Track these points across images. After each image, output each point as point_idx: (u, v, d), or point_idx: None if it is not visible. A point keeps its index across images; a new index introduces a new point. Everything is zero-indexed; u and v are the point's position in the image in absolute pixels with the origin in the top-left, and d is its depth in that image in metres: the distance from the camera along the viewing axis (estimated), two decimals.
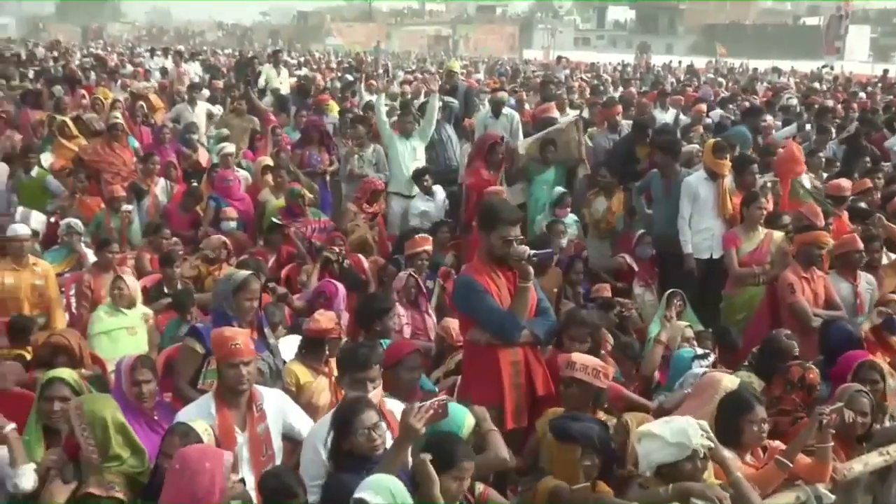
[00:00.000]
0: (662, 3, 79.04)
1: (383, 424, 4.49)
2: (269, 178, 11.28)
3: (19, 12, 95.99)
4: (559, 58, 37.01)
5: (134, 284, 7.74)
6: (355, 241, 9.58)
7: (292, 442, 5.12)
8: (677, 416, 4.70)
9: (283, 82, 18.39)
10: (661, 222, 9.45)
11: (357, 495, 3.84)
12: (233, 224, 10.21)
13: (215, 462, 3.96)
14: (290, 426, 5.11)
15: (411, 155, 11.26)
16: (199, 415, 4.80)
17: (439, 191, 10.86)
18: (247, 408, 4.92)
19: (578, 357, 5.42)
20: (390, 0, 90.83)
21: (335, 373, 5.89)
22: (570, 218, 10.24)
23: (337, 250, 8.73)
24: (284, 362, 6.06)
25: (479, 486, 4.54)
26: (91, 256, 8.94)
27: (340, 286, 7.86)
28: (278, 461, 4.95)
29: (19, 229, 8.20)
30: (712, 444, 4.50)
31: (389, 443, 4.48)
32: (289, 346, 6.37)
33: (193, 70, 23.43)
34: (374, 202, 10.61)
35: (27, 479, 4.53)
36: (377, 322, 6.41)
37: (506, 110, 12.67)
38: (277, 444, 5.02)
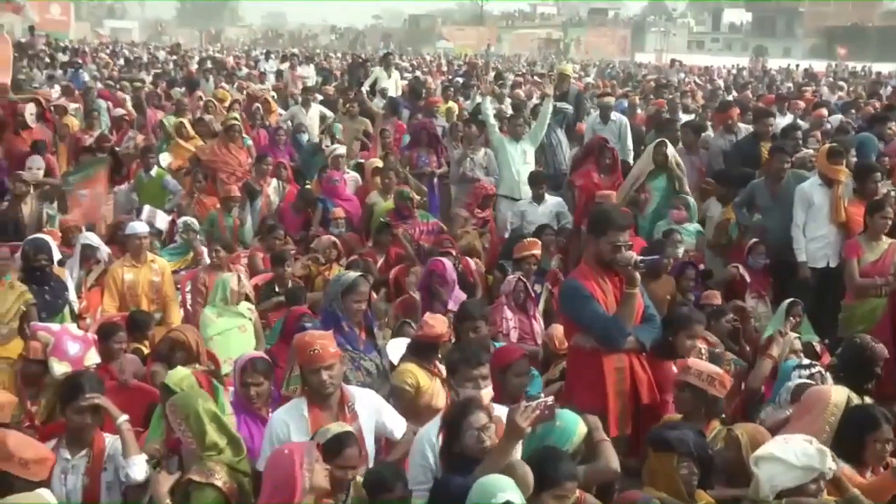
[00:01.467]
0: (781, 3, 77.00)
1: (493, 426, 4.48)
2: (378, 180, 11.38)
3: (142, 16, 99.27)
4: (672, 61, 36.49)
5: (245, 283, 7.90)
6: (464, 247, 9.56)
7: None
8: (795, 436, 4.54)
9: (394, 85, 18.54)
10: (773, 230, 9.18)
11: (502, 498, 3.85)
12: (340, 225, 10.32)
13: (297, 453, 4.05)
14: (382, 425, 5.11)
15: (521, 158, 11.22)
16: (291, 416, 4.84)
17: (550, 198, 10.73)
18: (338, 408, 4.92)
19: (695, 363, 5.37)
20: (502, 0, 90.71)
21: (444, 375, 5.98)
22: (693, 227, 9.89)
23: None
24: (392, 364, 6.09)
25: (576, 493, 4.50)
26: (206, 255, 9.16)
27: (448, 262, 7.93)
28: (371, 462, 4.97)
29: (138, 227, 8.47)
30: (838, 466, 4.37)
31: None
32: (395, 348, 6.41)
33: (307, 73, 23.81)
34: (485, 207, 10.56)
35: (139, 469, 4.67)
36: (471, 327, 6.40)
37: (614, 115, 12.52)
38: (370, 443, 5.03)
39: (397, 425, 5.15)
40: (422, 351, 5.95)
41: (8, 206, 10.09)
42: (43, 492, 3.95)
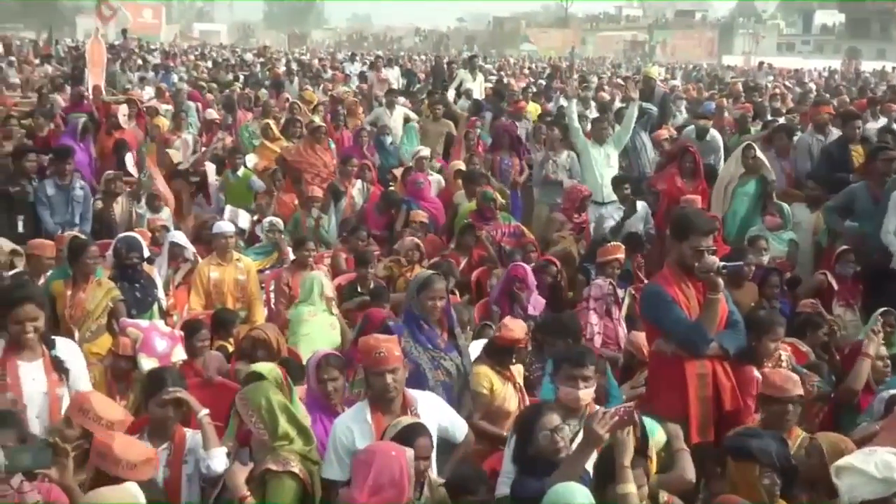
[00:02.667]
0: (876, 3, 74.88)
1: (567, 428, 4.44)
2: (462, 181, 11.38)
3: (230, 19, 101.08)
4: (761, 63, 35.79)
5: (329, 283, 7.98)
6: (559, 252, 9.50)
7: None
8: (880, 449, 4.40)
9: (479, 87, 18.53)
10: (874, 236, 8.85)
11: None
12: (419, 228, 10.31)
13: (404, 458, 4.06)
14: (444, 428, 5.10)
15: (605, 161, 11.14)
16: (355, 421, 4.85)
17: (642, 206, 10.56)
18: (401, 412, 4.91)
19: (767, 373, 5.33)
20: (587, 1, 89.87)
21: (518, 378, 5.99)
22: (787, 235, 9.60)
23: None
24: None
25: (664, 496, 4.45)
26: (291, 255, 9.27)
27: (528, 267, 7.91)
28: (434, 466, 4.96)
29: (225, 226, 8.61)
30: None
31: None
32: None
33: (392, 75, 23.95)
34: (582, 211, 10.40)
35: (219, 461, 4.75)
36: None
37: (710, 136, 12.28)
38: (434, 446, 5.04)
39: (459, 428, 5.16)
40: (497, 354, 5.96)
41: (101, 205, 10.36)
42: (130, 485, 4.03)
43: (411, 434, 4.42)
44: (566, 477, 4.09)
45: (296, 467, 4.48)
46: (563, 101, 16.26)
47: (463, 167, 11.72)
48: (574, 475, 4.12)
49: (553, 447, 4.32)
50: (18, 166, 9.99)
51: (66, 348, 5.39)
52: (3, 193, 9.66)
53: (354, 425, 4.79)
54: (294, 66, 29.21)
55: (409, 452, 4.12)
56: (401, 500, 4.01)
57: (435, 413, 5.05)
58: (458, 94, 17.58)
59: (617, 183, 10.66)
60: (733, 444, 4.71)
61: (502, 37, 79.58)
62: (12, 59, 29.35)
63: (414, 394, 5.05)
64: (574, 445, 4.47)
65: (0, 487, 3.86)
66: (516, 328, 5.97)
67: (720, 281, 5.41)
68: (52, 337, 5.32)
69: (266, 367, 5.08)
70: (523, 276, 7.87)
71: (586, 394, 4.85)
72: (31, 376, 5.12)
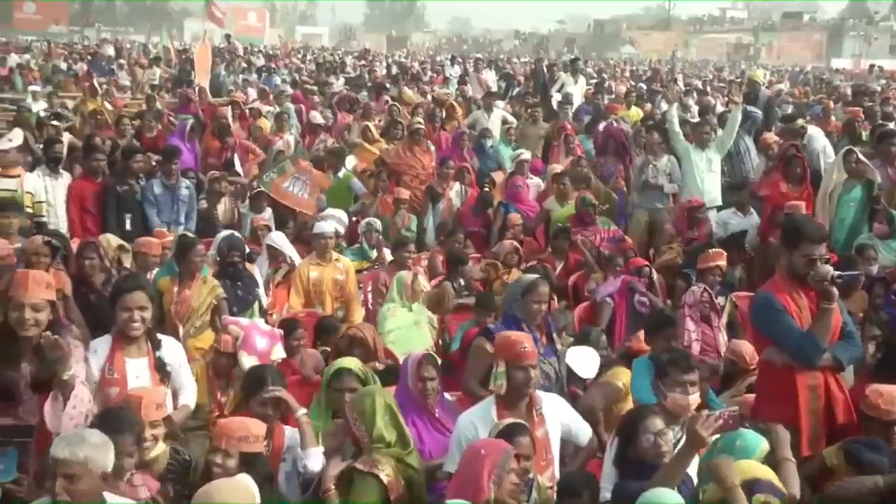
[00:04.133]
0: None
1: (670, 433, 4.39)
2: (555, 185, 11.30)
3: (332, 22, 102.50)
4: (872, 66, 34.73)
5: (425, 283, 8.01)
6: (664, 262, 9.41)
7: None
8: None
9: (580, 90, 18.42)
10: None
11: None
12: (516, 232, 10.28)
13: (492, 453, 4.05)
14: (568, 430, 5.12)
15: (706, 166, 10.95)
16: (481, 417, 4.89)
17: (755, 214, 10.34)
18: (527, 411, 4.94)
19: (870, 392, 5.20)
20: (690, 1, 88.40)
21: None
22: None
23: None
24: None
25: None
26: (389, 255, 9.33)
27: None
28: (556, 466, 4.94)
29: (325, 227, 8.71)
30: None
31: None
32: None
33: (491, 78, 23.95)
34: (695, 225, 10.18)
35: (316, 460, 4.79)
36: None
37: (808, 138, 11.96)
38: (556, 448, 5.03)
39: (583, 432, 5.16)
40: (629, 358, 5.99)
41: (206, 205, 10.60)
42: (243, 476, 4.10)
43: (511, 433, 4.43)
44: (667, 480, 4.06)
45: (383, 471, 4.49)
46: (663, 105, 16.07)
47: (559, 170, 11.63)
48: (675, 478, 4.09)
49: (656, 451, 4.28)
50: (127, 166, 10.28)
51: (170, 349, 5.49)
52: (113, 192, 9.94)
53: (479, 421, 4.86)
54: (394, 68, 29.44)
55: (506, 452, 4.10)
56: (478, 500, 4.00)
57: (560, 414, 5.08)
58: (561, 97, 17.48)
59: (732, 189, 10.47)
60: (849, 448, 4.69)
61: (603, 39, 79.00)
62: (122, 61, 30.29)
63: (539, 394, 5.09)
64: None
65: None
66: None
67: (834, 290, 5.24)
68: (159, 337, 5.43)
69: (353, 362, 5.12)
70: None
71: (695, 399, 4.80)
72: (136, 373, 5.24)
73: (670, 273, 9.12)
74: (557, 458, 5.01)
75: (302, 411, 4.96)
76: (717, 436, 4.18)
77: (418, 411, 5.34)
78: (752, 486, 4.03)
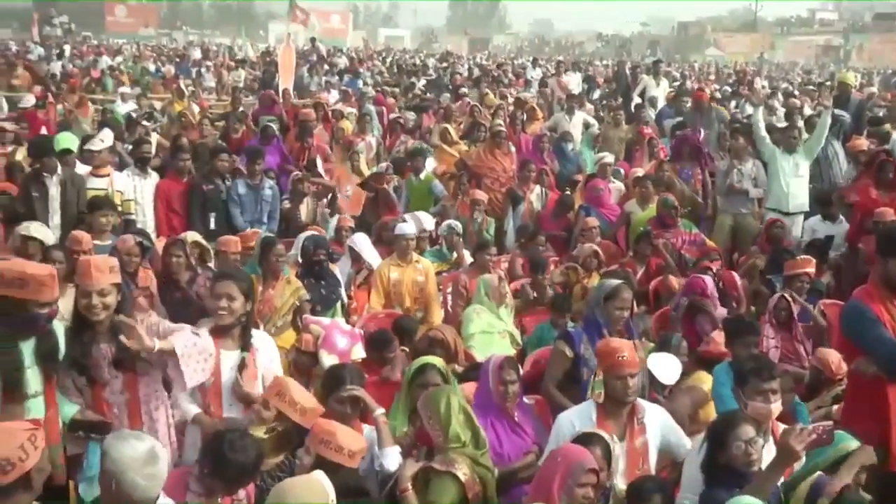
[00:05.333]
0: None
1: (761, 441, 4.33)
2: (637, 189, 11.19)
3: (414, 24, 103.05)
4: None
5: (506, 286, 7.99)
6: (746, 267, 9.26)
7: None
8: None
9: (663, 93, 18.21)
10: None
11: None
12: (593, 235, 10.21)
13: (566, 463, 4.04)
14: (668, 442, 5.07)
15: (793, 171, 10.74)
16: (580, 421, 4.89)
17: (844, 220, 10.12)
18: (627, 419, 4.93)
19: None
20: (778, 0, 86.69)
21: None
22: None
23: None
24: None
25: None
26: (468, 257, 9.34)
27: (709, 279, 7.73)
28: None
29: (406, 228, 8.74)
30: None
31: None
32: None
33: (573, 80, 23.83)
34: (772, 241, 9.90)
35: (392, 460, 4.82)
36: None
37: (893, 141, 11.65)
38: (653, 458, 4.99)
39: (683, 444, 5.09)
40: (707, 365, 5.91)
41: (289, 205, 10.73)
42: (318, 473, 4.13)
43: (586, 443, 4.41)
44: (758, 492, 4.02)
45: (460, 470, 4.49)
46: (748, 109, 15.79)
47: (641, 174, 11.52)
48: (766, 491, 4.05)
49: (746, 459, 4.23)
50: (213, 166, 10.47)
51: (262, 341, 5.58)
52: (198, 191, 10.13)
53: (578, 423, 4.87)
54: (475, 70, 29.48)
55: (579, 465, 4.06)
56: None
57: (661, 425, 5.05)
58: (643, 101, 17.31)
59: (823, 199, 10.26)
60: None
61: (687, 41, 78.13)
62: (209, 63, 30.89)
63: (643, 403, 5.08)
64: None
65: None
66: (723, 341, 5.91)
67: None
68: (252, 332, 5.51)
69: (437, 359, 5.13)
70: (703, 290, 7.66)
71: (777, 408, 4.72)
72: (230, 365, 5.35)
73: (751, 277, 8.96)
74: (653, 469, 4.96)
75: (380, 411, 4.98)
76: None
77: (497, 414, 5.34)
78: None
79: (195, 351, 4.91)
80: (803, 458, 4.27)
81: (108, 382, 5.01)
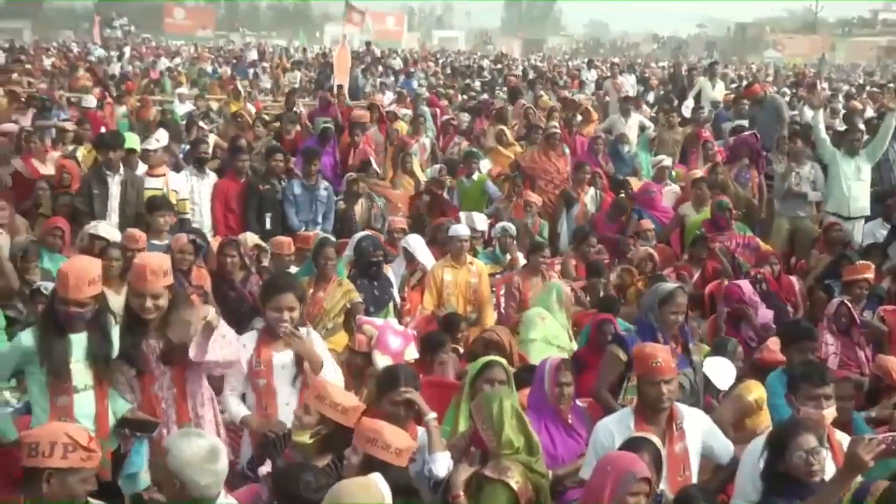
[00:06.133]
0: None
1: (823, 451, 4.25)
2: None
3: (468, 26, 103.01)
4: None
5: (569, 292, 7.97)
6: (808, 271, 9.14)
7: None
8: None
9: (719, 95, 18.01)
10: None
11: None
12: (649, 237, 10.13)
13: (616, 472, 3.98)
14: (710, 448, 5.00)
15: (854, 174, 10.60)
16: (618, 428, 4.83)
17: None
18: (666, 425, 4.86)
19: None
20: (839, 1, 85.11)
21: None
22: None
23: None
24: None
25: None
26: (522, 260, 9.31)
27: (746, 285, 7.66)
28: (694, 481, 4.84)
29: (460, 230, 8.75)
30: None
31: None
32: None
33: (628, 82, 23.65)
34: (830, 246, 9.81)
35: (441, 465, 4.78)
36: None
37: None
38: (695, 465, 4.92)
39: (725, 450, 5.03)
40: (761, 375, 5.84)
41: (343, 205, 10.78)
42: (376, 476, 4.14)
43: (635, 447, 4.36)
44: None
45: (513, 478, 4.46)
46: (806, 111, 15.56)
47: (699, 176, 11.40)
48: (832, 502, 3.97)
49: (808, 469, 4.17)
50: (269, 166, 10.56)
51: (315, 342, 5.65)
52: (255, 191, 10.22)
53: (616, 430, 4.81)
54: (530, 72, 29.40)
55: (631, 474, 4.02)
56: None
57: (702, 430, 4.99)
58: (699, 103, 17.14)
59: (880, 198, 10.10)
60: None
61: (745, 43, 77.15)
62: (265, 65, 31.17)
63: (682, 408, 5.01)
64: None
65: None
66: (778, 348, 5.83)
67: None
68: (303, 331, 5.57)
69: (501, 358, 5.12)
70: (738, 297, 7.56)
71: (830, 413, 4.64)
72: (282, 364, 5.43)
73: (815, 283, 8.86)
74: (696, 475, 4.90)
75: (431, 415, 4.96)
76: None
77: (552, 417, 5.31)
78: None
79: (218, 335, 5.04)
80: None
81: (156, 377, 5.16)
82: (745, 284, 7.78)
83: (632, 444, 4.41)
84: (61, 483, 3.81)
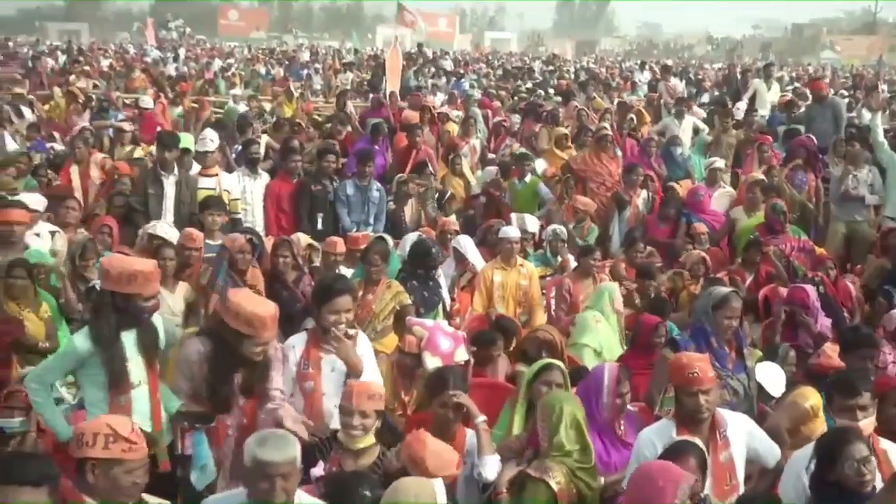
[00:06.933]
0: None
1: (874, 460, 4.19)
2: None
3: (520, 27, 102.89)
4: None
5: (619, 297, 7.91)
6: (872, 274, 9.01)
7: None
8: None
9: (775, 97, 17.78)
10: None
11: None
12: (702, 241, 10.03)
13: (666, 487, 3.91)
14: (755, 452, 4.95)
15: None
16: (660, 438, 4.77)
17: None
18: (710, 434, 4.80)
19: None
20: None
21: None
22: None
23: None
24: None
25: None
26: (573, 262, 9.27)
27: (811, 289, 7.56)
28: (741, 492, 4.77)
29: (511, 231, 8.74)
30: None
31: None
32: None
33: (679, 85, 23.43)
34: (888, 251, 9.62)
35: (490, 469, 4.80)
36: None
37: None
38: (741, 472, 4.87)
39: (771, 454, 4.98)
40: (814, 382, 5.77)
41: (394, 206, 10.82)
42: (437, 481, 4.17)
43: (680, 452, 4.33)
44: None
45: (554, 479, 4.45)
46: (864, 114, 15.31)
47: (757, 179, 11.24)
48: None
49: (859, 479, 4.11)
50: (319, 166, 10.62)
51: (360, 344, 5.68)
52: (307, 192, 10.29)
53: (659, 442, 4.74)
54: (582, 74, 29.26)
55: (680, 489, 3.97)
56: None
57: (747, 436, 4.94)
58: (753, 105, 16.93)
59: None
60: None
61: (801, 44, 76.16)
62: (318, 66, 31.37)
63: (725, 415, 4.95)
64: None
65: None
66: (835, 356, 5.74)
67: None
68: (350, 332, 5.60)
69: (559, 362, 5.10)
70: (804, 301, 7.45)
71: (867, 424, 4.57)
72: (331, 366, 5.45)
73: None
74: (742, 482, 4.84)
75: (481, 418, 4.95)
76: None
77: (606, 425, 5.25)
78: None
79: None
80: None
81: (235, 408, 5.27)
82: (810, 289, 7.66)
83: (676, 449, 4.38)
84: (105, 474, 3.86)
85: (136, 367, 5.13)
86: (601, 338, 7.36)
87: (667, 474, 3.99)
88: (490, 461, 4.80)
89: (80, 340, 5.10)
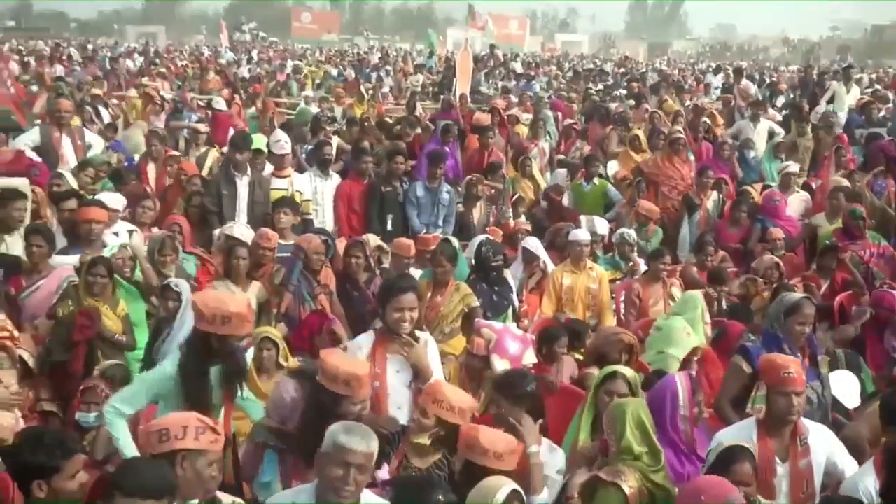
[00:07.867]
0: None
1: None
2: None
3: (592, 30, 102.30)
4: None
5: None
6: None
7: None
8: None
9: (854, 100, 17.42)
10: None
11: None
12: (777, 247, 9.85)
13: (716, 496, 3.88)
14: (833, 465, 4.86)
15: None
16: (740, 439, 4.71)
17: None
18: (790, 439, 4.74)
19: None
20: None
21: None
22: None
23: None
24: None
25: None
26: (642, 266, 9.19)
27: None
28: (817, 501, 4.69)
29: (580, 234, 8.71)
30: None
31: None
32: None
33: (752, 88, 23.07)
34: None
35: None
36: None
37: None
38: (818, 481, 4.80)
39: (849, 469, 4.87)
40: None
41: (462, 208, 10.83)
42: (511, 483, 4.19)
43: (732, 457, 4.30)
44: None
45: (626, 483, 4.40)
46: None
47: (841, 184, 11.01)
48: None
49: None
50: (389, 167, 10.68)
51: (429, 347, 5.69)
52: (377, 193, 10.35)
53: (738, 442, 4.67)
54: (649, 77, 29.00)
55: (734, 499, 3.90)
56: None
57: (827, 447, 4.87)
58: (831, 108, 16.63)
59: None
60: None
61: (881, 46, 74.29)
62: (388, 68, 31.55)
63: (807, 423, 4.90)
64: None
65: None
66: None
67: None
68: (417, 334, 5.61)
69: (626, 370, 5.07)
70: (891, 305, 7.27)
71: None
72: (396, 368, 5.47)
73: None
74: (819, 492, 4.76)
75: (534, 448, 4.77)
76: None
77: (679, 434, 5.17)
78: None
79: None
80: None
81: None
82: None
83: (728, 455, 4.33)
84: (192, 466, 3.92)
85: (216, 395, 5.15)
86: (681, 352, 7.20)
87: (716, 489, 3.96)
88: (536, 501, 4.65)
89: (170, 368, 5.07)
